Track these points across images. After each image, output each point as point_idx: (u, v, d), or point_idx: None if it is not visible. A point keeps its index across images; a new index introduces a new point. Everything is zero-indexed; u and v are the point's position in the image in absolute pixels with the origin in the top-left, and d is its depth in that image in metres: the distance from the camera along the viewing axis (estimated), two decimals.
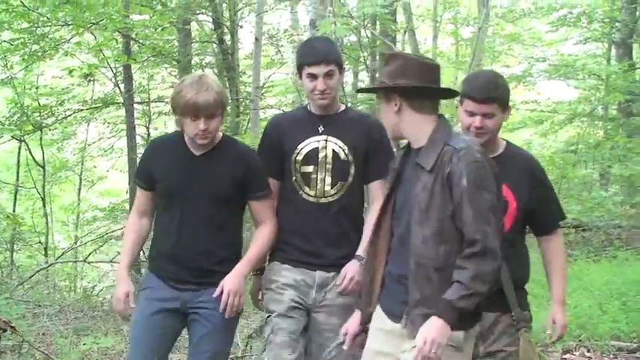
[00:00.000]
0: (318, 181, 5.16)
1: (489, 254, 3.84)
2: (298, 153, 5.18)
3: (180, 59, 18.46)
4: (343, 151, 5.15)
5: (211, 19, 18.92)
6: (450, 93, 4.71)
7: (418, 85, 4.08)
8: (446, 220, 3.93)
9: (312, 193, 5.17)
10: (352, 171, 5.16)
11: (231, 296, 4.92)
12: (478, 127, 4.56)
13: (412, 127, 4.17)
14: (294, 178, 5.20)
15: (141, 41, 17.62)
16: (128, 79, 17.50)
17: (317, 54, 5.00)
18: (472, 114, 4.58)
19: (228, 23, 18.84)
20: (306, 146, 5.18)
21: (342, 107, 5.38)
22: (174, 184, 5.01)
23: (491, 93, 4.56)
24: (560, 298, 5.01)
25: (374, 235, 4.39)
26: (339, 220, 5.19)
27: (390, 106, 4.17)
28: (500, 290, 4.49)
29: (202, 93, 4.73)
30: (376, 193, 5.15)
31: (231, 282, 4.93)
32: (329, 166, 5.15)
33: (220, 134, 5.15)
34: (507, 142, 4.97)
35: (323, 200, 5.16)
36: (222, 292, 4.90)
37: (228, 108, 10.31)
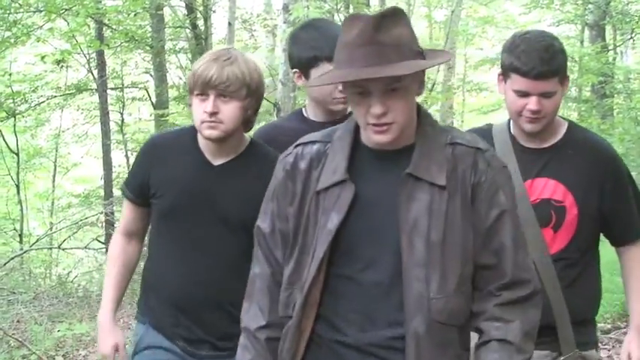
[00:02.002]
0: None
1: (538, 299, 2.69)
2: None
3: (154, 44, 18.49)
4: None
5: (184, 4, 18.88)
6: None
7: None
8: (468, 256, 2.59)
9: None
10: None
11: None
12: (535, 111, 3.33)
13: (413, 117, 2.71)
14: None
15: (114, 27, 17.76)
16: (101, 65, 17.59)
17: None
18: (525, 94, 3.33)
19: (201, 8, 18.88)
20: None
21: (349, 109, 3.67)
22: (180, 201, 3.50)
23: (550, 64, 3.30)
24: None
25: (315, 277, 2.64)
26: None
27: (414, 88, 2.65)
28: (549, 325, 3.26)
29: (219, 63, 3.35)
30: None
31: None
32: None
33: (248, 138, 3.64)
34: (570, 122, 3.68)
35: None
36: None
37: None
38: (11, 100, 17.74)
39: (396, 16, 2.60)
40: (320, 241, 2.62)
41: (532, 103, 3.34)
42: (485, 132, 3.64)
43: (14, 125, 18.41)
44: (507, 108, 3.54)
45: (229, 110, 3.39)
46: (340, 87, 3.29)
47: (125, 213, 3.87)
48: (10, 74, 18.09)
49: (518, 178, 3.40)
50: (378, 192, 2.66)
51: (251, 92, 3.46)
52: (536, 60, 3.30)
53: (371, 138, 2.66)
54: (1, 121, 17.50)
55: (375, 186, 2.67)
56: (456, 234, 2.58)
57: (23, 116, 18.86)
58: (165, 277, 3.60)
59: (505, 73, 3.47)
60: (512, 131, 3.61)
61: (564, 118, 3.70)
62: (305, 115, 3.92)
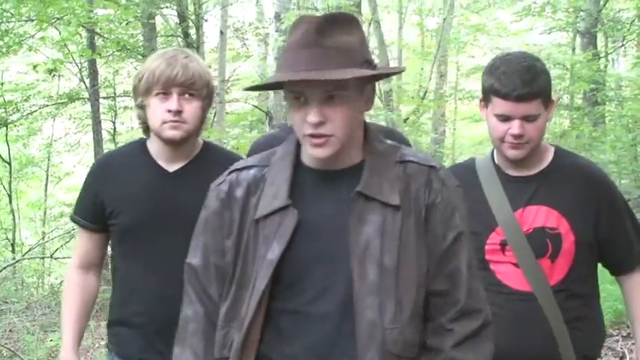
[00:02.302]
0: None
1: (490, 331, 2.43)
2: None
3: (146, 53, 18.41)
4: None
5: (176, 13, 18.94)
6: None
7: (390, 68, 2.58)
8: (422, 281, 2.33)
9: None
10: None
11: None
12: (517, 136, 3.12)
13: (359, 133, 2.48)
14: None
15: (105, 36, 17.73)
16: (93, 74, 17.52)
17: None
18: (507, 118, 3.13)
19: (192, 17, 18.91)
20: None
21: None
22: (138, 216, 3.26)
23: (532, 86, 3.07)
24: None
25: (256, 313, 2.36)
26: None
27: (359, 101, 2.41)
28: None
29: (181, 60, 3.18)
30: None
31: None
32: None
33: (201, 141, 3.45)
34: (556, 147, 3.45)
35: None
36: None
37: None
38: (3, 110, 17.72)
39: (344, 21, 2.37)
40: (260, 273, 2.31)
41: (514, 127, 3.12)
42: (469, 166, 3.50)
43: (6, 134, 18.37)
44: (490, 135, 3.32)
45: (192, 109, 3.22)
46: None
47: (80, 244, 3.55)
48: (1, 83, 18.07)
49: (508, 209, 3.24)
50: (324, 216, 2.36)
51: (209, 92, 3.34)
52: (517, 81, 3.08)
53: (309, 152, 2.39)
54: None
55: (320, 210, 2.36)
56: (411, 257, 2.30)
57: (15, 125, 18.81)
58: (132, 299, 3.35)
59: (486, 97, 3.27)
60: (496, 161, 3.40)
61: (550, 144, 3.48)
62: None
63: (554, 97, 3.29)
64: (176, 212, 3.19)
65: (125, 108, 20.93)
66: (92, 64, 17.28)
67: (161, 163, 3.30)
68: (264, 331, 2.34)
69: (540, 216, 3.23)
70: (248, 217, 2.40)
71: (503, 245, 3.22)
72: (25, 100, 18.47)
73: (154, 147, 3.35)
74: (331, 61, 2.25)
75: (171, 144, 3.25)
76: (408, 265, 2.28)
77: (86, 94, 17.98)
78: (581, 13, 20.80)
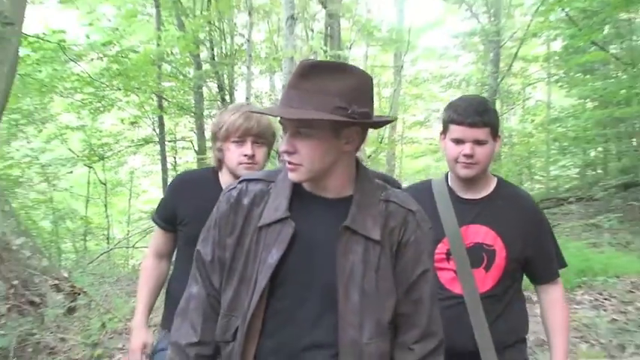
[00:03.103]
0: None
1: (442, 349, 2.17)
2: None
3: (196, 112, 18.52)
4: None
5: (217, 85, 18.94)
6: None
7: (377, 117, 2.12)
8: (394, 303, 2.07)
9: None
10: None
11: None
12: (468, 155, 2.80)
13: (346, 170, 2.12)
14: None
15: (169, 99, 17.71)
16: (161, 125, 17.58)
17: None
18: (460, 141, 2.82)
19: (227, 88, 18.94)
20: None
21: None
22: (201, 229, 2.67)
23: (482, 116, 2.78)
24: None
25: (257, 306, 2.04)
26: None
27: (340, 140, 2.05)
28: (473, 352, 2.82)
29: (252, 115, 2.96)
30: None
31: None
32: None
33: None
34: (499, 178, 3.11)
35: None
36: None
37: None
38: (101, 149, 17.77)
39: (330, 68, 1.99)
40: (261, 274, 2.00)
41: (466, 148, 2.78)
42: (426, 185, 3.13)
43: (103, 165, 18.50)
44: (447, 159, 2.94)
45: (261, 154, 2.98)
46: None
47: (155, 239, 3.34)
48: (100, 131, 18.11)
49: (455, 224, 2.93)
50: (316, 234, 2.03)
51: (273, 137, 3.08)
52: (470, 111, 2.77)
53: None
54: (94, 162, 17.51)
55: (313, 228, 2.03)
56: (387, 283, 2.01)
57: (109, 159, 18.85)
58: (179, 291, 2.74)
59: (445, 127, 2.91)
60: (449, 184, 3.05)
61: (494, 174, 3.09)
62: None
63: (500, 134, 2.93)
64: None
65: (182, 148, 21.05)
66: (160, 118, 17.39)
67: None
68: (264, 321, 2.02)
69: (480, 233, 2.92)
70: (251, 224, 2.07)
71: (448, 255, 2.93)
72: (116, 143, 18.49)
73: (224, 179, 3.07)
74: (303, 102, 1.94)
75: None
76: (384, 290, 2.00)
77: (156, 139, 18.05)
78: (486, 86, 20.87)
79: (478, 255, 2.91)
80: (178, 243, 3.23)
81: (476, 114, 2.75)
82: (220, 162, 3.10)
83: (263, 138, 2.97)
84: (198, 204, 2.89)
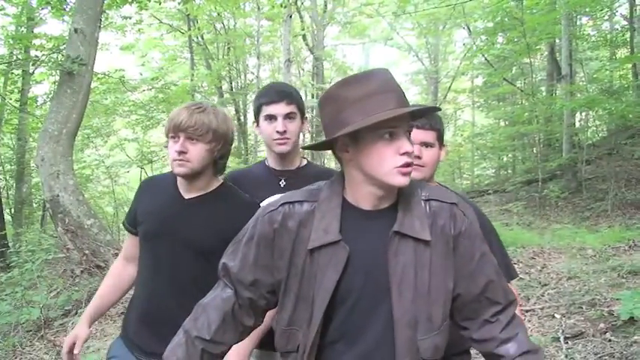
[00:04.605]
0: None
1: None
2: None
3: None
4: None
5: (234, 109, 18.91)
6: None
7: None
8: (449, 297, 1.60)
9: None
10: None
11: None
12: (416, 156, 2.09)
13: None
14: None
15: None
16: None
17: (277, 93, 2.29)
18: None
19: (242, 111, 18.91)
20: None
21: (304, 162, 2.43)
22: (152, 227, 2.22)
23: (430, 120, 2.13)
24: None
25: (319, 325, 1.59)
26: None
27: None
28: None
29: (190, 111, 2.11)
30: None
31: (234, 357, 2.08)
32: None
33: (220, 180, 2.30)
34: (439, 184, 2.27)
35: None
36: None
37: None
38: (150, 155, 17.65)
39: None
40: (319, 297, 1.56)
41: (415, 149, 1.95)
42: None
43: (151, 167, 18.25)
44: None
45: (196, 151, 2.09)
46: (279, 128, 2.23)
47: (125, 241, 2.44)
48: (149, 142, 17.95)
49: None
50: (368, 249, 1.55)
51: (217, 137, 2.12)
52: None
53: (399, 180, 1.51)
54: (145, 165, 17.33)
55: (364, 243, 1.56)
56: (439, 281, 1.56)
57: (156, 162, 18.71)
58: (137, 293, 2.28)
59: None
60: None
61: (438, 182, 2.30)
62: (266, 164, 2.40)
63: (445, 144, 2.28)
64: (178, 232, 2.15)
65: None
66: None
67: (181, 190, 2.21)
68: (322, 335, 1.59)
69: None
70: (301, 246, 1.58)
71: None
72: (160, 150, 18.29)
73: (179, 178, 2.24)
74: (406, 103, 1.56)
75: (186, 178, 2.17)
76: (436, 288, 1.55)
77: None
78: None
79: None
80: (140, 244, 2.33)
81: (425, 118, 2.11)
82: None
83: (196, 134, 2.09)
84: (154, 202, 2.24)
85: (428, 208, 1.58)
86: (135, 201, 2.32)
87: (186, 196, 2.19)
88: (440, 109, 1.69)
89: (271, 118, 2.25)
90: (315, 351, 1.57)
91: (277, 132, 2.22)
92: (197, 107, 2.12)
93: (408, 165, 1.49)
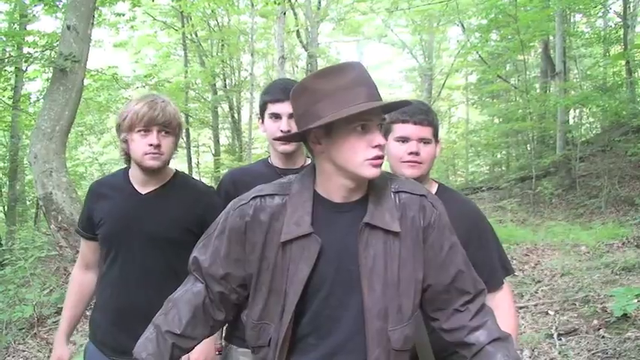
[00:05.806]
0: None
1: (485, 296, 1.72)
2: None
3: (213, 125, 18.46)
4: None
5: (228, 106, 18.87)
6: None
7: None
8: (419, 288, 1.60)
9: None
10: None
11: None
12: (415, 152, 2.01)
13: None
14: None
15: (193, 116, 17.60)
16: (187, 135, 17.46)
17: (282, 91, 2.21)
18: (405, 140, 2.03)
19: (236, 108, 18.89)
20: None
21: (308, 161, 2.34)
22: (114, 227, 2.19)
23: (427, 115, 2.05)
24: None
25: (291, 318, 1.57)
26: None
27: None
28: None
29: (160, 104, 2.13)
30: None
31: (202, 352, 2.16)
32: None
33: (173, 170, 2.33)
34: (440, 183, 2.20)
35: None
36: None
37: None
38: None
39: None
40: (292, 289, 1.54)
41: (412, 146, 2.00)
42: None
43: None
44: (389, 161, 2.07)
45: (168, 144, 2.14)
46: (283, 127, 2.20)
47: (81, 248, 2.39)
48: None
49: None
50: (338, 241, 1.55)
51: (180, 129, 2.23)
52: (415, 110, 2.01)
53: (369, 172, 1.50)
54: None
55: (335, 235, 1.55)
56: (409, 272, 1.55)
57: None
58: (104, 294, 2.24)
59: (386, 131, 2.03)
60: None
61: (434, 179, 2.21)
62: (270, 162, 2.36)
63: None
64: (141, 227, 2.14)
65: (203, 151, 20.87)
66: (187, 130, 17.23)
67: (136, 186, 2.21)
68: (294, 329, 1.57)
69: None
70: (273, 239, 1.55)
71: None
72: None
73: (132, 173, 2.24)
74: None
75: (150, 171, 2.18)
76: (406, 279, 1.55)
77: (184, 145, 17.88)
78: None
79: None
80: (100, 248, 2.30)
81: (421, 112, 2.04)
82: (128, 156, 2.24)
83: (169, 128, 2.14)
84: (111, 203, 2.21)
85: (398, 200, 1.58)
86: (87, 205, 2.28)
87: (143, 191, 2.21)
88: (410, 103, 1.70)
89: (276, 116, 2.23)
90: (287, 345, 1.56)
91: (281, 131, 2.19)
92: (162, 100, 2.14)
93: (379, 157, 1.49)
